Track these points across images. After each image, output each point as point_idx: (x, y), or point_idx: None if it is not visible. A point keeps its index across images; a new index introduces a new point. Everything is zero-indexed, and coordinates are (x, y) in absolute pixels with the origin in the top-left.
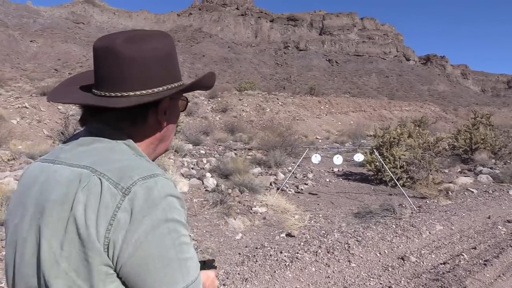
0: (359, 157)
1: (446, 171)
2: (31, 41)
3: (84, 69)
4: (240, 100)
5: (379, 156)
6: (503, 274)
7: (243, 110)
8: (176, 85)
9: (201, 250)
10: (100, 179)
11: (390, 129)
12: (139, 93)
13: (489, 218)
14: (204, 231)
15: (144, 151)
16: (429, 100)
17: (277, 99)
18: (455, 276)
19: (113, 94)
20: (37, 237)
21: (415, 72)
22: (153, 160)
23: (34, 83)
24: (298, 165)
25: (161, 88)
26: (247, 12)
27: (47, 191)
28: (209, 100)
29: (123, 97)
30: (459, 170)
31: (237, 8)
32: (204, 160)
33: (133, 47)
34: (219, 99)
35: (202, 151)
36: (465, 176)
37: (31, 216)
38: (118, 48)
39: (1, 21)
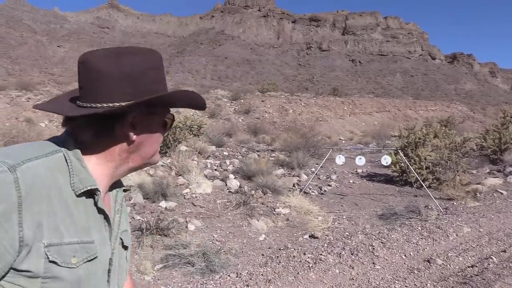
0: (386, 160)
1: (474, 172)
2: (58, 46)
3: None
4: (262, 101)
5: (404, 157)
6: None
7: (265, 112)
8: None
9: (224, 251)
10: None
11: (416, 130)
12: (94, 105)
13: None
14: (228, 232)
15: (109, 161)
16: (456, 100)
17: (299, 100)
18: (484, 279)
19: (81, 104)
20: None
21: (441, 71)
22: (132, 171)
23: (61, 87)
24: (321, 166)
25: (117, 104)
26: (269, 14)
27: None
28: (232, 102)
29: (85, 108)
30: (488, 171)
31: (259, 10)
32: (227, 162)
33: (105, 61)
34: (242, 100)
35: (225, 153)
36: (494, 177)
37: None
38: (91, 61)
39: (29, 27)
